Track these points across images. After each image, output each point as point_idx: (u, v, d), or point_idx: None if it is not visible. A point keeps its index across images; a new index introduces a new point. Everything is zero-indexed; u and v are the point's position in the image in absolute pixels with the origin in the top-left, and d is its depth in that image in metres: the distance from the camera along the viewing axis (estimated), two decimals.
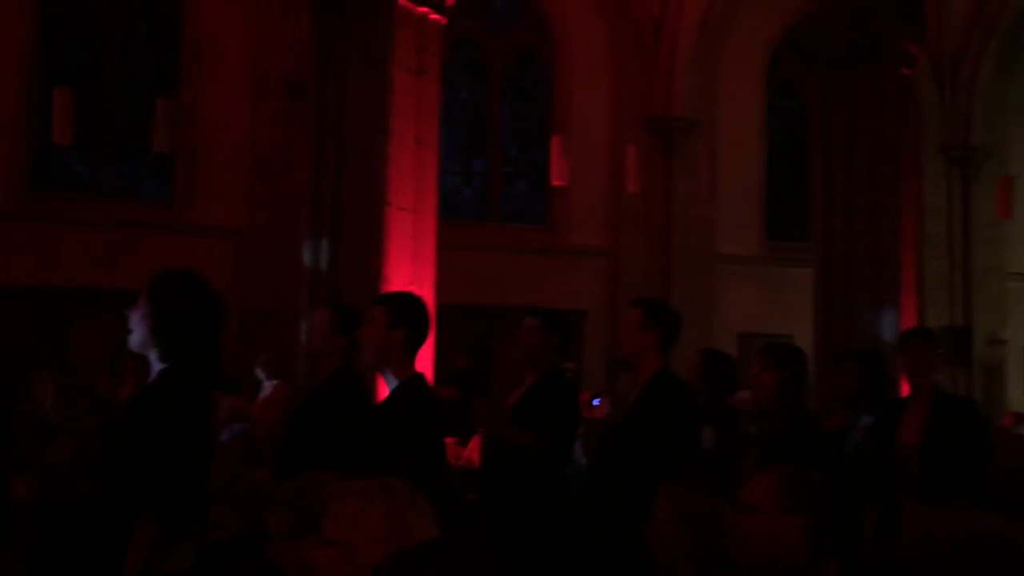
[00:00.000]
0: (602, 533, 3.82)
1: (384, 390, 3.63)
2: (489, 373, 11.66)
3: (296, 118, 10.51)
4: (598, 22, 13.76)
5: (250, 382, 8.07)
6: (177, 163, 11.74)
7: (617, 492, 3.73)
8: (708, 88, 13.92)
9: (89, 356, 10.42)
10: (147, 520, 2.68)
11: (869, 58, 8.07)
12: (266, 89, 11.66)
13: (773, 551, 2.22)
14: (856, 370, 4.52)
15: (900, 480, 4.01)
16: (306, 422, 4.05)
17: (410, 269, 7.78)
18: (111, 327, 3.19)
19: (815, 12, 8.60)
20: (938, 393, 4.21)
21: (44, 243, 11.06)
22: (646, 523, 2.67)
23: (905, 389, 4.37)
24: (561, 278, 12.99)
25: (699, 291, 13.38)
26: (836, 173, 8.24)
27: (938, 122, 14.42)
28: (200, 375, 2.86)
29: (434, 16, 7.94)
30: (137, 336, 2.87)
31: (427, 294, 7.68)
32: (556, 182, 11.86)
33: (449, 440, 6.87)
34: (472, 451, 7.00)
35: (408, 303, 3.58)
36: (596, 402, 9.02)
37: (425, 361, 7.45)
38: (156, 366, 2.85)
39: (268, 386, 7.56)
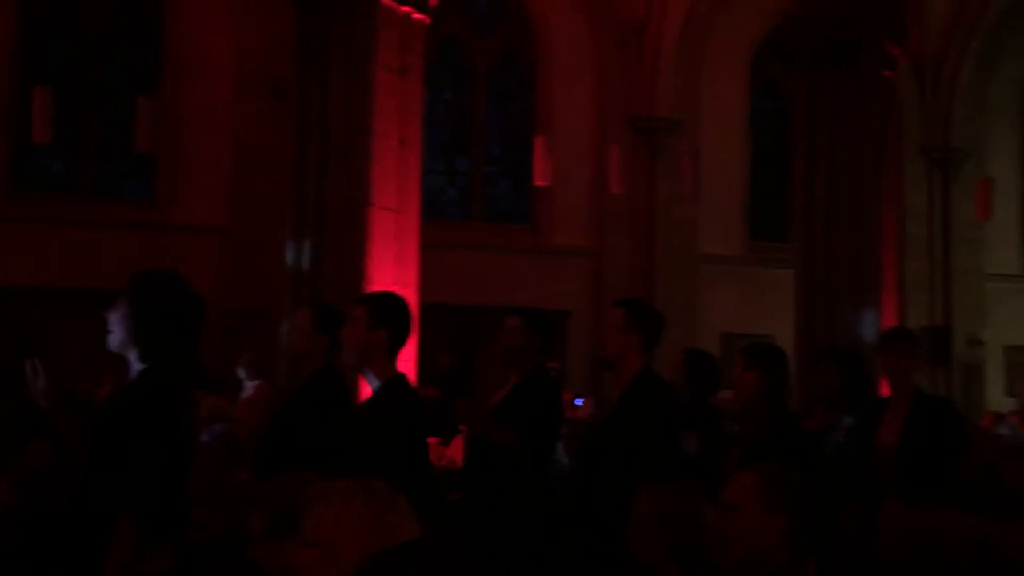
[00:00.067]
0: (585, 533, 3.82)
1: (366, 390, 3.63)
2: (472, 373, 11.66)
3: (278, 118, 10.47)
4: (582, 22, 13.78)
5: (232, 382, 8.04)
6: (159, 163, 11.69)
7: (600, 492, 3.74)
8: (691, 88, 13.97)
9: (69, 356, 10.35)
10: (128, 521, 2.66)
11: (851, 59, 8.11)
12: (248, 89, 11.61)
13: (754, 551, 2.23)
14: (837, 370, 4.54)
15: (880, 480, 4.04)
16: (288, 422, 4.04)
17: (393, 269, 7.77)
18: (92, 327, 3.17)
19: (798, 13, 8.64)
20: (917, 393, 4.24)
21: (25, 243, 10.99)
22: (628, 523, 2.68)
23: (885, 389, 4.39)
24: (545, 278, 13.00)
25: (682, 291, 13.42)
26: (818, 174, 8.28)
27: (919, 123, 14.53)
28: (180, 375, 2.85)
29: (417, 16, 7.93)
30: (116, 336, 2.85)
31: (410, 294, 7.66)
32: (539, 182, 11.88)
33: (432, 440, 6.86)
34: (455, 451, 7.00)
35: (390, 303, 3.58)
36: (579, 402, 9.02)
37: (408, 361, 7.43)
38: (136, 366, 2.84)
39: (250, 386, 7.53)
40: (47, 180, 11.89)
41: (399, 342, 3.48)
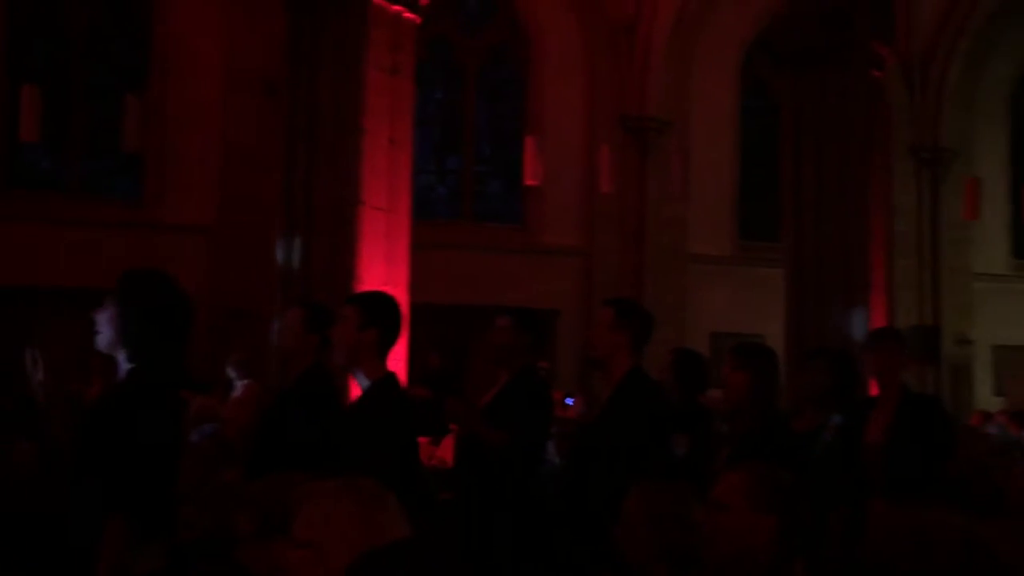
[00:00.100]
0: (575, 532, 3.83)
1: (356, 390, 3.62)
2: (462, 373, 11.65)
3: (268, 116, 10.44)
4: (572, 21, 13.79)
5: (221, 382, 8.02)
6: (147, 161, 11.64)
7: (590, 491, 3.74)
8: (681, 88, 13.99)
9: (58, 356, 10.29)
10: (117, 521, 2.66)
11: (840, 59, 8.13)
12: (238, 87, 11.58)
13: (743, 550, 2.24)
14: (826, 370, 4.56)
15: (867, 479, 4.05)
16: (277, 422, 4.03)
17: (383, 268, 7.76)
18: (80, 326, 3.16)
19: (787, 13, 8.66)
20: (905, 393, 4.26)
21: (12, 241, 10.92)
22: (618, 522, 2.68)
23: (874, 389, 4.41)
24: (535, 277, 13.00)
25: (672, 290, 13.44)
26: (807, 173, 8.30)
27: (908, 123, 14.59)
28: (169, 375, 2.84)
29: (408, 15, 7.92)
30: (104, 336, 2.85)
31: (400, 293, 7.66)
32: (530, 181, 11.88)
33: (422, 440, 6.86)
34: (445, 451, 7.00)
35: (380, 303, 3.57)
36: (569, 401, 9.04)
37: (398, 360, 7.42)
38: (124, 366, 2.83)
39: (240, 386, 7.51)
40: (35, 178, 11.84)
41: (389, 342, 3.48)
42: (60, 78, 11.70)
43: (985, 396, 14.79)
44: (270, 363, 7.64)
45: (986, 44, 15.19)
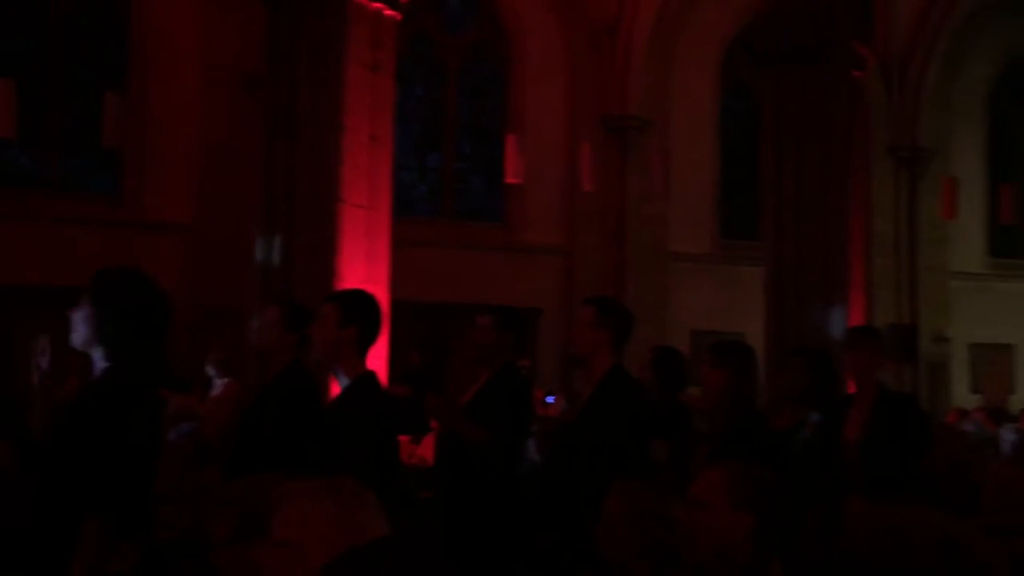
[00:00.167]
0: (556, 531, 3.83)
1: (336, 388, 3.61)
2: (444, 371, 11.64)
3: (248, 113, 10.39)
4: (553, 20, 13.80)
5: (201, 380, 7.96)
6: (126, 158, 11.55)
7: (571, 490, 3.75)
8: (662, 86, 14.03)
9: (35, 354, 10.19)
10: (93, 521, 2.64)
11: (820, 59, 8.17)
12: (218, 84, 11.51)
13: (721, 547, 2.25)
14: (805, 368, 4.58)
15: (845, 477, 4.08)
16: (256, 420, 4.01)
17: (364, 266, 7.75)
18: (57, 325, 3.13)
19: (767, 12, 8.69)
20: (881, 391, 4.29)
21: None
22: (599, 520, 2.69)
23: (852, 387, 4.44)
24: (516, 275, 13.01)
25: (653, 289, 13.48)
26: (787, 172, 8.34)
27: (886, 123, 14.69)
28: (146, 374, 2.82)
29: (388, 12, 7.91)
30: (80, 335, 2.82)
31: (381, 291, 7.65)
32: (511, 179, 11.88)
33: (403, 438, 6.84)
34: (426, 449, 6.98)
35: (360, 301, 3.56)
36: (550, 399, 9.03)
37: (379, 359, 7.41)
38: (100, 365, 2.81)
39: (219, 384, 7.46)
40: (12, 175, 11.72)
41: (369, 340, 3.47)
42: (38, 74, 11.60)
43: (962, 394, 14.92)
44: (250, 362, 7.60)
45: (964, 44, 15.31)
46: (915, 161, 15.14)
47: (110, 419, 2.71)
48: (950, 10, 14.85)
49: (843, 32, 8.24)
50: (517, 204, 13.52)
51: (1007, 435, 8.54)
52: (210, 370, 7.67)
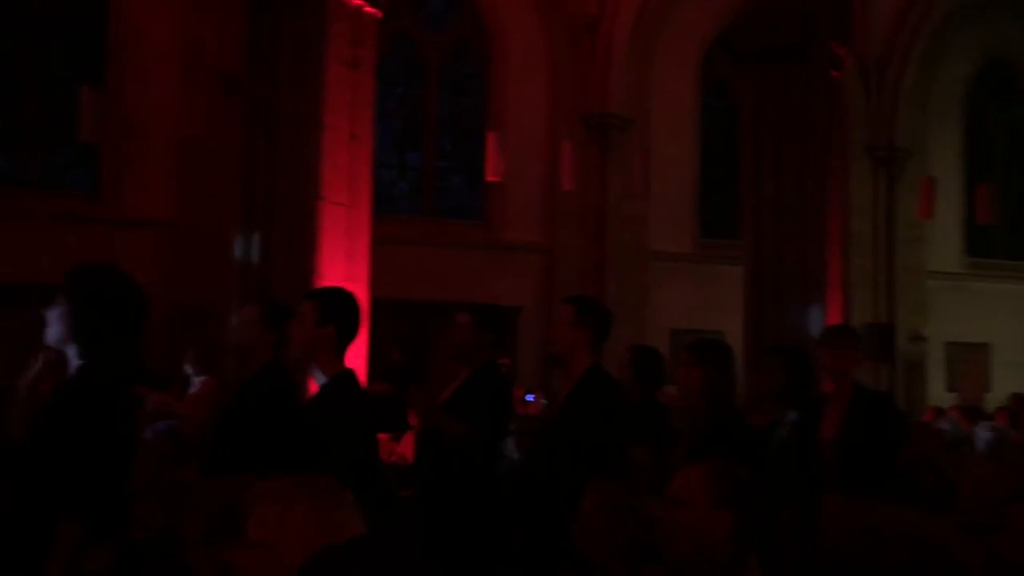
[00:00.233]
0: (534, 529, 3.83)
1: (315, 387, 3.60)
2: (424, 368, 11.63)
3: (228, 109, 10.32)
4: (534, 18, 13.80)
5: (179, 378, 7.91)
6: (103, 154, 11.46)
7: (549, 488, 3.75)
8: (642, 85, 14.07)
9: (9, 351, 10.10)
10: (69, 521, 2.61)
11: (798, 59, 8.21)
12: (197, 79, 11.43)
13: (700, 545, 2.25)
14: (782, 366, 4.61)
15: (821, 475, 4.11)
16: (235, 418, 3.99)
17: (344, 264, 7.72)
18: (33, 322, 3.10)
19: (747, 12, 8.73)
20: (857, 389, 4.32)
21: None
22: (576, 519, 2.69)
23: (828, 385, 4.46)
24: (496, 274, 13.01)
25: (633, 287, 13.52)
26: (766, 172, 8.38)
27: (865, 123, 14.79)
28: (121, 371, 2.80)
29: (369, 9, 7.88)
30: (55, 332, 2.79)
31: (361, 289, 7.62)
32: (491, 178, 11.87)
33: (383, 436, 6.83)
34: (406, 447, 6.97)
35: (338, 299, 3.56)
36: (530, 398, 9.05)
37: (359, 356, 7.39)
38: (75, 362, 2.78)
39: (197, 382, 7.42)
40: None
41: (347, 338, 3.47)
42: (13, 69, 11.48)
43: (938, 392, 15.05)
44: (228, 359, 7.56)
45: (941, 44, 15.43)
46: (893, 161, 15.25)
47: (85, 418, 2.69)
48: (928, 10, 14.96)
49: (822, 32, 8.28)
50: (497, 202, 13.52)
51: (982, 433, 8.63)
52: (188, 368, 7.63)
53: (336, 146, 7.58)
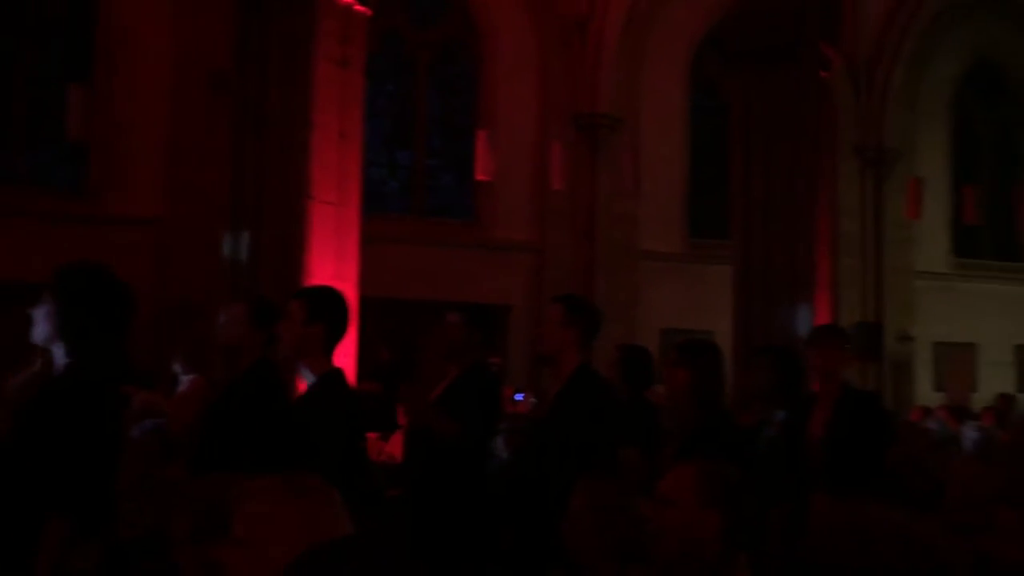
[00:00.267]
0: (523, 528, 3.83)
1: (303, 385, 3.60)
2: (413, 367, 11.62)
3: (217, 107, 10.29)
4: (525, 17, 13.80)
5: (167, 376, 7.88)
6: (92, 152, 11.40)
7: (539, 487, 3.75)
8: (632, 84, 14.08)
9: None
10: (56, 520, 2.60)
11: (788, 59, 8.23)
12: (186, 77, 11.39)
13: (689, 545, 2.25)
14: (771, 366, 4.62)
15: (809, 475, 4.12)
16: (222, 417, 3.98)
17: (333, 263, 7.71)
18: (20, 321, 3.08)
19: (737, 12, 8.74)
20: (845, 389, 4.33)
21: None
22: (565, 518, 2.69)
23: (816, 385, 4.48)
24: (486, 273, 13.00)
25: (623, 287, 13.53)
26: (755, 172, 8.39)
27: (853, 123, 14.84)
28: (108, 370, 2.78)
29: (358, 7, 7.87)
30: (41, 331, 2.78)
31: (350, 288, 7.61)
32: (481, 176, 11.87)
33: (371, 435, 6.82)
34: (394, 446, 6.96)
35: (326, 298, 3.55)
36: (519, 397, 9.04)
37: (348, 355, 7.38)
38: (61, 361, 2.77)
39: (185, 380, 7.39)
40: None
41: (336, 337, 3.46)
42: (1, 66, 11.42)
43: (926, 392, 15.12)
44: (217, 358, 7.54)
45: (930, 44, 15.49)
46: (881, 162, 15.31)
47: (72, 416, 2.67)
48: (917, 10, 15.01)
49: (811, 33, 8.30)
50: (487, 201, 13.51)
51: (969, 433, 8.67)
52: (177, 366, 7.60)
53: (325, 145, 7.57)
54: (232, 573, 1.67)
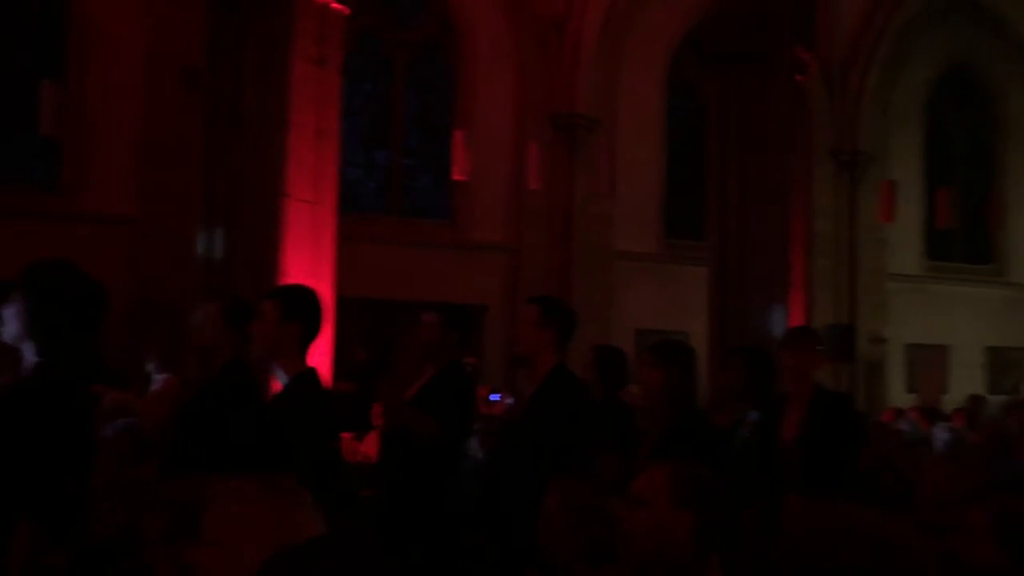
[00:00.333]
0: (497, 528, 3.83)
1: (277, 385, 3.58)
2: (389, 367, 11.58)
3: (192, 104, 10.22)
4: (502, 18, 13.80)
5: (140, 375, 7.82)
6: (65, 148, 11.29)
7: (513, 488, 3.75)
8: (610, 85, 14.12)
9: None
10: (25, 523, 2.57)
11: (764, 62, 8.27)
12: (160, 73, 11.30)
13: (662, 546, 2.26)
14: (744, 366, 4.64)
15: (782, 475, 4.14)
16: (196, 417, 3.95)
17: (308, 262, 7.68)
18: None
19: (714, 14, 8.78)
20: (817, 390, 4.36)
21: None
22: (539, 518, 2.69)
23: (790, 386, 4.51)
24: (462, 273, 12.99)
25: (599, 287, 13.56)
26: (730, 173, 8.43)
27: (828, 126, 14.95)
28: (79, 369, 2.75)
29: (335, 6, 7.84)
30: (11, 330, 2.74)
31: (326, 287, 7.58)
32: (458, 176, 11.86)
33: (346, 435, 6.79)
34: (369, 446, 6.94)
35: (301, 297, 3.53)
36: (495, 397, 9.03)
37: (324, 355, 7.36)
38: (32, 360, 2.73)
39: (159, 379, 7.33)
40: None
41: (310, 336, 3.44)
42: None
43: (898, 393, 15.26)
44: (191, 357, 7.49)
45: (905, 47, 15.62)
46: (855, 165, 15.44)
47: (42, 416, 2.64)
48: (893, 13, 15.14)
49: (786, 36, 8.35)
50: (464, 201, 13.50)
51: (940, 434, 8.75)
52: (150, 365, 7.54)
53: (301, 143, 7.54)
54: (205, 574, 1.66)
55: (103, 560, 2.84)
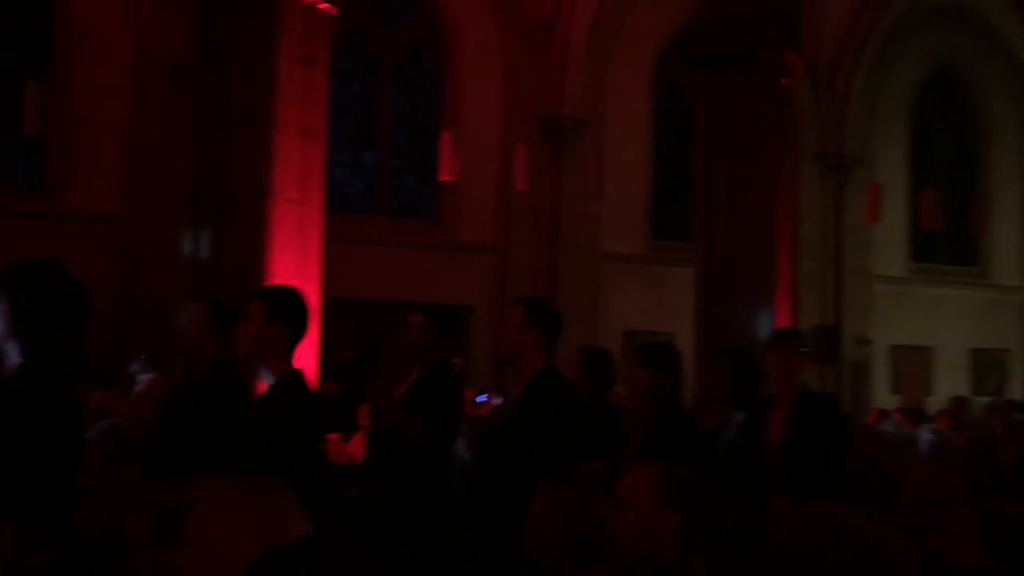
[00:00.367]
0: (484, 529, 3.83)
1: (263, 386, 3.57)
2: (376, 367, 11.56)
3: (178, 104, 10.17)
4: (490, 18, 13.80)
5: (124, 376, 7.78)
6: (50, 147, 11.23)
7: (500, 489, 3.75)
8: (597, 87, 14.14)
9: None
10: (9, 526, 2.55)
11: (751, 64, 8.30)
12: (146, 73, 11.24)
13: (648, 546, 2.26)
14: (729, 368, 4.66)
15: (767, 476, 4.16)
16: (181, 417, 3.94)
17: (295, 262, 7.64)
18: None
19: (701, 17, 8.81)
20: (803, 391, 4.38)
21: None
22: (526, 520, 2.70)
23: (776, 387, 4.52)
24: (449, 273, 12.99)
25: (586, 288, 13.58)
26: (717, 175, 8.46)
27: (814, 129, 15.01)
28: (64, 369, 2.74)
29: (322, 5, 7.81)
30: None
31: (312, 288, 7.56)
32: (446, 177, 11.85)
33: (332, 436, 6.77)
34: (356, 447, 6.92)
35: (287, 298, 3.52)
36: (482, 398, 9.03)
37: (310, 355, 7.33)
38: (15, 360, 2.72)
39: (144, 380, 7.29)
40: None
41: (296, 337, 3.44)
42: None
43: (883, 394, 15.33)
44: (177, 357, 7.45)
45: (892, 49, 15.70)
46: (841, 167, 15.51)
47: (27, 416, 2.63)
48: (879, 15, 15.21)
49: (772, 39, 8.38)
50: (451, 202, 13.49)
51: (924, 435, 8.81)
52: (135, 366, 7.50)
53: (288, 143, 7.51)
54: (189, 575, 1.65)
55: (87, 561, 2.83)
